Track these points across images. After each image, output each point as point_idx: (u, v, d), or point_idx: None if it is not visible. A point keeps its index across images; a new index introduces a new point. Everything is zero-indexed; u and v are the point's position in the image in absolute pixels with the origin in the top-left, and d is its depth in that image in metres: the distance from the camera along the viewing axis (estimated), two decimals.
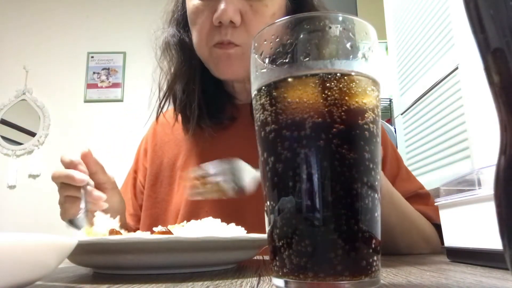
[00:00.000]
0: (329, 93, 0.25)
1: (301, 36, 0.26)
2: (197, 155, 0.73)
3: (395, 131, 1.98)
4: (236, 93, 0.74)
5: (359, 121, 0.26)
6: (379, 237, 0.26)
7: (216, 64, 0.65)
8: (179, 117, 0.74)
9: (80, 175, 0.56)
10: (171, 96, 0.74)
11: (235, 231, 0.44)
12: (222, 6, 0.59)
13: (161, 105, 0.74)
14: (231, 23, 0.59)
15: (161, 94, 0.73)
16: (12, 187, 3.00)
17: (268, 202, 0.27)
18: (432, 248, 0.64)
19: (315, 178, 0.25)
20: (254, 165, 0.66)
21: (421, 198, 0.69)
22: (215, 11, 0.60)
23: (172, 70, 0.72)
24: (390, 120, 2.27)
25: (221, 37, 0.61)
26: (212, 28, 0.61)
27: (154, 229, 0.44)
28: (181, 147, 0.76)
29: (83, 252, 0.36)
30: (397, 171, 0.72)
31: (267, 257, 0.55)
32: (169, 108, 0.76)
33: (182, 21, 0.71)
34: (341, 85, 0.25)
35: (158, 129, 0.82)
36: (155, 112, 0.75)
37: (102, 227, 0.46)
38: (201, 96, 0.70)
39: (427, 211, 0.66)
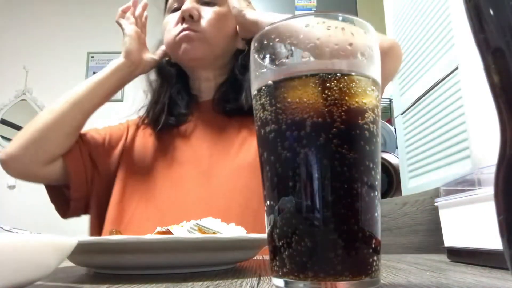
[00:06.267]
0: (329, 93, 0.25)
1: (301, 36, 0.26)
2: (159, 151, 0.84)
3: (395, 131, 1.97)
4: (202, 92, 0.88)
5: (359, 121, 0.26)
6: (379, 237, 0.26)
7: (179, 45, 0.80)
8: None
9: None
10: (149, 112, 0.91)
11: (235, 231, 0.44)
12: (184, 6, 0.80)
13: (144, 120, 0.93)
14: (190, 17, 0.79)
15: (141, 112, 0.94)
16: (12, 187, 2.99)
17: (268, 202, 0.27)
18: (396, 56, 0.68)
19: (315, 178, 0.25)
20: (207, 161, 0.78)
21: None
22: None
23: (151, 94, 0.93)
24: (390, 120, 2.27)
25: (183, 26, 0.81)
26: (178, 23, 0.81)
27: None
28: (148, 148, 0.86)
29: (83, 252, 0.36)
30: None
31: (267, 257, 0.55)
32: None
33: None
34: (341, 85, 0.25)
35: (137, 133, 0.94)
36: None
37: None
38: (167, 106, 0.87)
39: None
